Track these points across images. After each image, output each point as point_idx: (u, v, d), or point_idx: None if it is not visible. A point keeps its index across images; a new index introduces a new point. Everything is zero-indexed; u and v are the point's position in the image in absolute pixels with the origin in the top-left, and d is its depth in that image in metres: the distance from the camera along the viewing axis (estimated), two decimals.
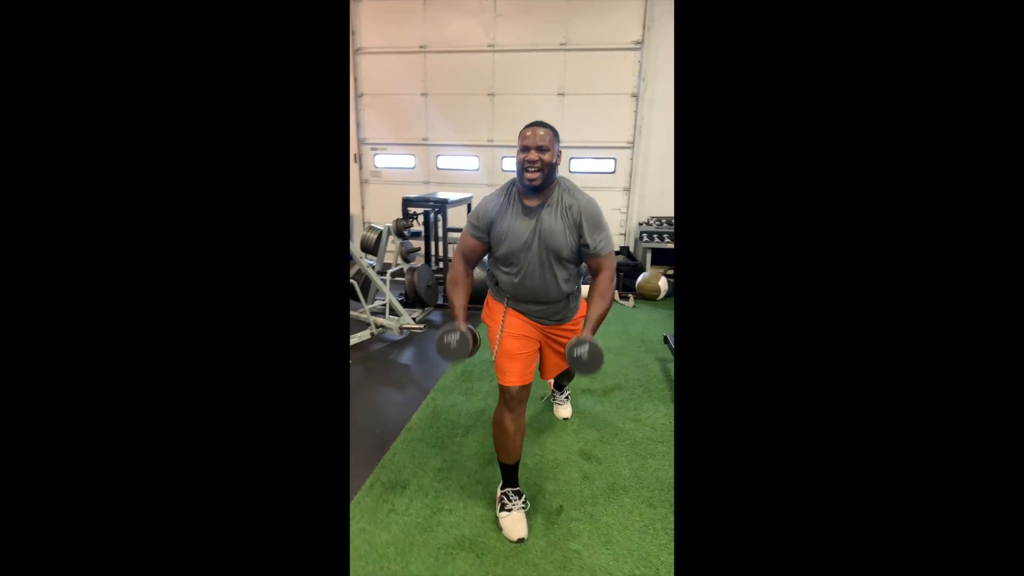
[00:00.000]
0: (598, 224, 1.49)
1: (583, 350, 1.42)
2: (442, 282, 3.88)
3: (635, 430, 2.20)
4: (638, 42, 4.57)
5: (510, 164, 5.07)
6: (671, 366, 2.87)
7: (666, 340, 2.90)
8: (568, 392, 2.38)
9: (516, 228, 1.49)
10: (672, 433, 2.18)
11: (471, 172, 5.22)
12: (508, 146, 5.00)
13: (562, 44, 4.66)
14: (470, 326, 1.51)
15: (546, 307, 1.60)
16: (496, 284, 1.64)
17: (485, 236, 1.56)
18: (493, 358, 1.63)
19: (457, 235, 4.49)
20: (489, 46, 4.78)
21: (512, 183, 1.54)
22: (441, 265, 4.08)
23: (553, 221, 1.47)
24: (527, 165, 1.43)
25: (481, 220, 1.55)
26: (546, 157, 1.42)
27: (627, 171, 4.91)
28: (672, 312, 3.88)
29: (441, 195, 4.11)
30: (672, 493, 1.78)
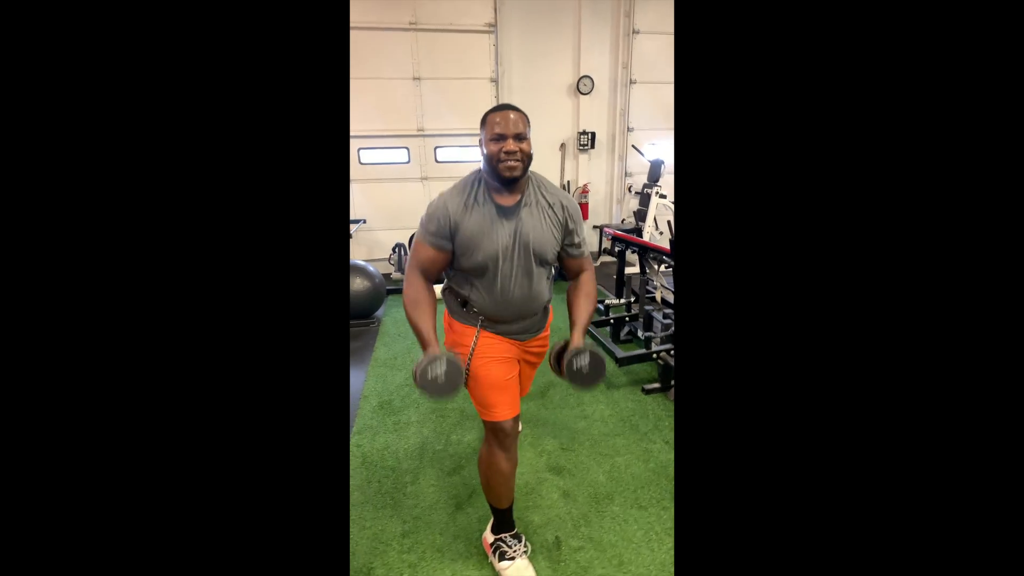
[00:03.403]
0: (580, 220, 1.36)
1: (584, 361, 1.26)
2: None
3: (588, 428, 2.13)
4: (491, 25, 4.44)
5: (369, 157, 4.56)
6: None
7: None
8: None
9: (491, 232, 1.24)
10: (622, 422, 2.16)
11: None
12: (365, 136, 4.48)
13: (412, 23, 4.29)
14: (451, 353, 1.22)
15: (529, 322, 1.38)
16: (464, 305, 1.36)
17: (448, 244, 1.27)
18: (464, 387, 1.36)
19: None
20: None
21: (474, 180, 1.29)
22: None
23: (536, 221, 1.27)
24: (505, 156, 1.20)
25: (440, 225, 1.25)
26: (525, 147, 1.22)
27: None
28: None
29: None
30: (652, 489, 1.75)
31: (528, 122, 1.24)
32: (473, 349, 1.34)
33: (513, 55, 4.56)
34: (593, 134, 4.86)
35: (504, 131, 1.20)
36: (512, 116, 1.21)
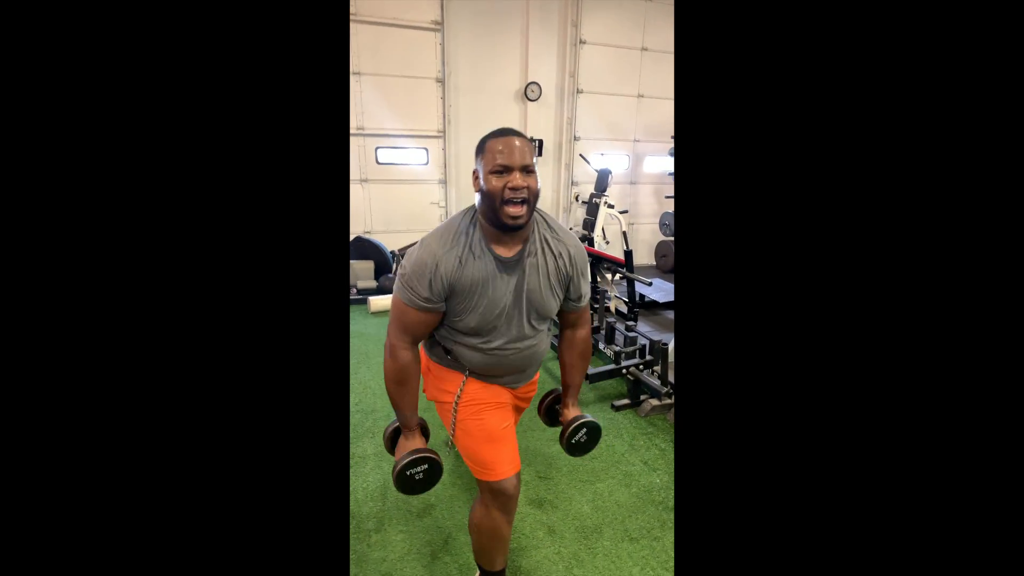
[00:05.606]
0: (586, 271, 1.17)
1: (582, 434, 1.26)
2: None
3: (562, 453, 2.00)
4: (437, 22, 4.24)
5: None
6: (547, 363, 2.77)
7: None
8: None
9: (490, 290, 1.03)
10: (595, 443, 2.06)
11: None
12: None
13: (352, 14, 3.98)
14: (431, 450, 1.13)
15: (526, 374, 1.20)
16: (449, 353, 1.15)
17: (441, 305, 1.05)
18: (451, 442, 1.18)
19: None
20: None
21: (466, 227, 1.04)
22: None
23: (540, 276, 1.07)
24: (510, 194, 0.95)
25: (433, 285, 1.01)
26: (532, 182, 0.98)
27: (441, 162, 4.59)
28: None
29: None
30: (640, 517, 1.66)
31: (534, 150, 1.04)
32: (458, 400, 1.13)
33: (460, 56, 4.40)
34: (540, 142, 4.81)
35: (509, 162, 0.95)
36: (518, 143, 0.96)
